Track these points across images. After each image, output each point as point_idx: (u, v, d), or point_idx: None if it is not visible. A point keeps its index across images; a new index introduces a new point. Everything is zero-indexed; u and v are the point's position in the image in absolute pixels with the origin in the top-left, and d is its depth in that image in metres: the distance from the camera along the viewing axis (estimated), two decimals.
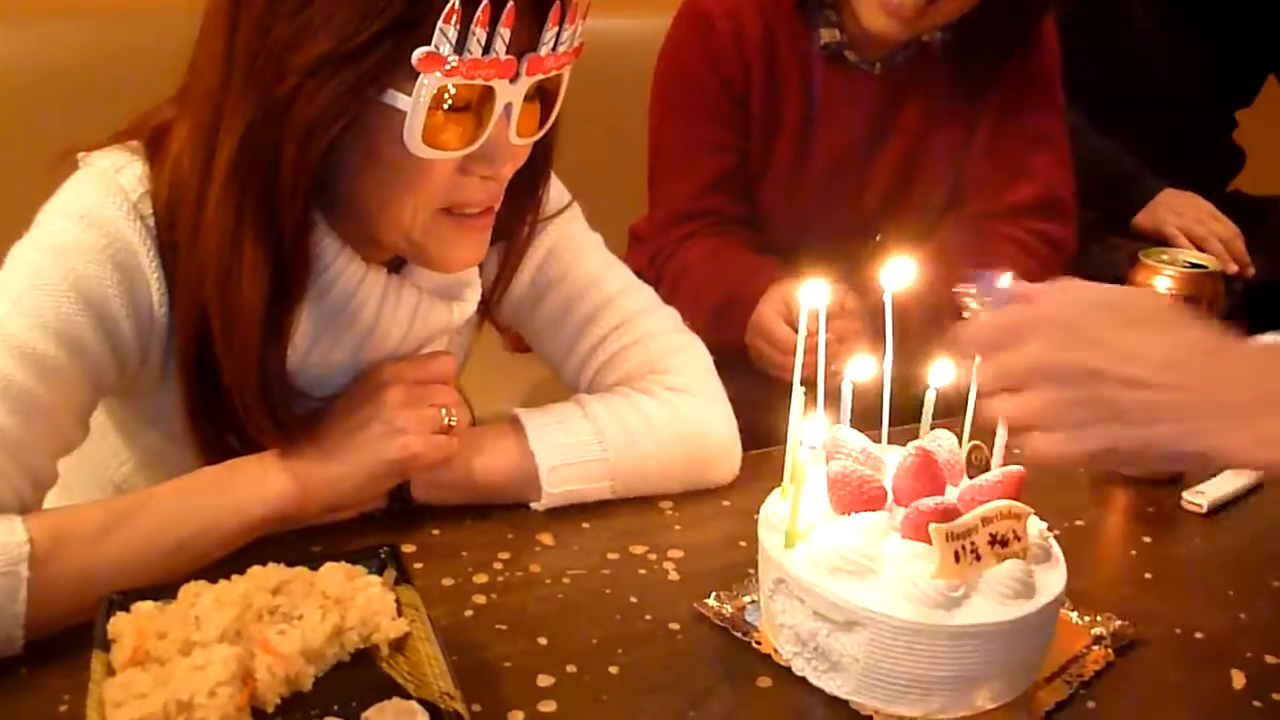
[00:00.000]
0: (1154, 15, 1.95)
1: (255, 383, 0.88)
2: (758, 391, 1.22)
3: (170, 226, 0.88)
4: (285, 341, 0.90)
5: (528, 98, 0.86)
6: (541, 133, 0.92)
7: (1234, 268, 1.80)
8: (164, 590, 0.75)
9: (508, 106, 0.84)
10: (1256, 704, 0.82)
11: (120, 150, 0.91)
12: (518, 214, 1.01)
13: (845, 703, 0.78)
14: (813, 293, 0.87)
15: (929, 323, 1.24)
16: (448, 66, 0.78)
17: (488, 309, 1.08)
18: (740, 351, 1.39)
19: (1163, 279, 1.09)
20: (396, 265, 0.99)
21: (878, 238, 1.50)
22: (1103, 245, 1.85)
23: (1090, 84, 1.80)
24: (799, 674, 0.80)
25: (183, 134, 0.87)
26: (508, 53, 0.80)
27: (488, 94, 0.83)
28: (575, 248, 1.11)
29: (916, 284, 1.43)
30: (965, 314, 0.79)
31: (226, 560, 0.86)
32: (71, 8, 1.73)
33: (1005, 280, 0.79)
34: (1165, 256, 1.12)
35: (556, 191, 1.09)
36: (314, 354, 0.94)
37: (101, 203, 0.88)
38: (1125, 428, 0.68)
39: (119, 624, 0.71)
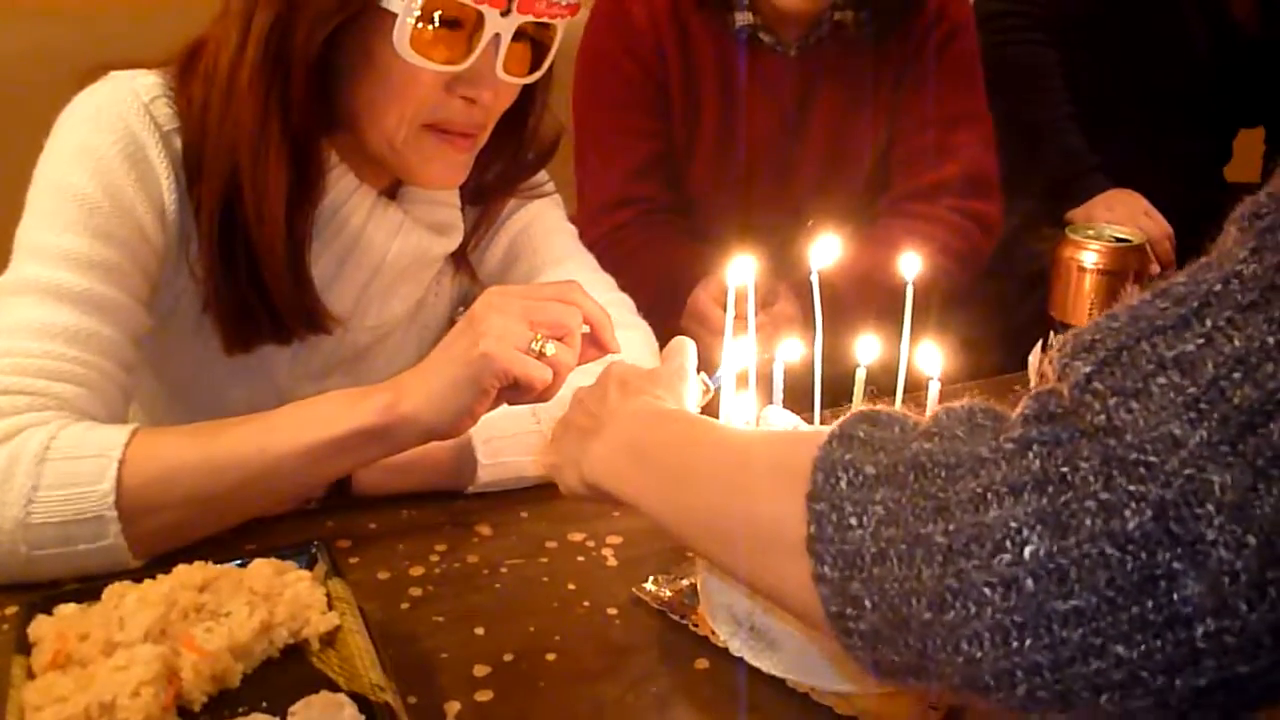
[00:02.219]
0: (1200, 18, 1.94)
1: (283, 258, 0.96)
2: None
3: (198, 117, 0.95)
4: (306, 227, 0.98)
5: (518, 37, 0.94)
6: (531, 78, 1.00)
7: (1156, 268, 1.82)
8: (87, 592, 0.74)
9: (496, 37, 0.92)
10: None
11: (144, 70, 0.98)
12: (499, 168, 1.09)
13: (782, 681, 0.78)
14: (741, 271, 0.87)
15: (862, 302, 1.25)
16: None
17: (465, 259, 1.15)
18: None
19: (1089, 254, 1.11)
20: (390, 195, 1.07)
21: (810, 223, 1.51)
22: (1036, 235, 1.87)
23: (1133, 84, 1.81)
24: (736, 654, 0.80)
25: (219, 34, 0.95)
26: None
27: (479, 21, 0.91)
28: (548, 230, 1.18)
29: (848, 265, 1.45)
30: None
31: (153, 561, 0.84)
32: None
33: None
34: (1091, 232, 1.14)
35: (543, 178, 1.18)
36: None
37: (112, 101, 0.95)
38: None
39: (40, 627, 0.70)
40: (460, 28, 0.92)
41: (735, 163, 1.51)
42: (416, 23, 0.89)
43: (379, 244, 1.05)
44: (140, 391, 1.08)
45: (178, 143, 0.96)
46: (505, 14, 0.91)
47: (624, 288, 1.19)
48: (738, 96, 1.49)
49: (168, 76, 0.98)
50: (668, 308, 1.39)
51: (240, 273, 0.97)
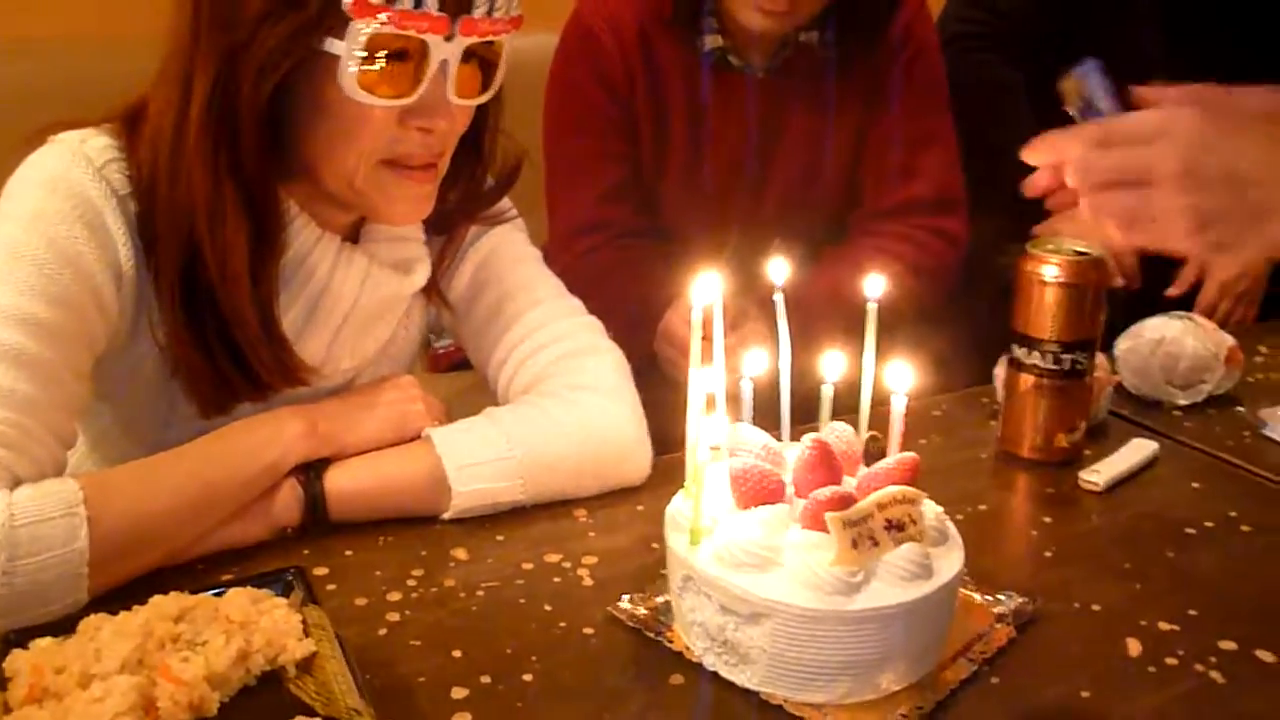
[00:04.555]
0: (1160, 39, 1.95)
1: (254, 316, 0.96)
2: (672, 398, 1.24)
3: (148, 183, 0.94)
4: (273, 282, 0.98)
5: (466, 60, 0.94)
6: (483, 98, 0.99)
7: (1120, 281, 1.83)
8: (62, 625, 0.74)
9: (444, 64, 0.92)
10: (1151, 669, 0.85)
11: (90, 128, 0.97)
12: (458, 193, 1.09)
13: (755, 694, 0.79)
14: (709, 291, 0.88)
15: (831, 321, 1.27)
16: (381, 17, 0.87)
17: (435, 287, 1.15)
18: (652, 360, 1.41)
19: (1049, 267, 1.13)
20: (352, 238, 1.06)
21: (777, 241, 1.52)
22: (1003, 251, 1.89)
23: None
24: (710, 669, 0.82)
25: (160, 97, 0.94)
26: (440, 10, 0.89)
27: (424, 50, 0.90)
28: (514, 255, 1.18)
29: (817, 284, 1.47)
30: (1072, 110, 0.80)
31: (128, 592, 0.85)
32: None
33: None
34: (1051, 246, 1.16)
35: (505, 204, 1.17)
36: None
37: (66, 168, 0.94)
38: (1245, 226, 0.71)
39: (15, 661, 0.70)
40: (406, 59, 0.91)
41: (705, 185, 1.53)
42: (362, 62, 0.88)
43: (347, 293, 1.04)
44: (99, 435, 1.09)
45: (133, 207, 0.95)
46: (449, 39, 0.90)
47: (596, 311, 1.19)
48: (706, 119, 1.51)
49: (117, 138, 0.96)
50: (640, 330, 1.40)
51: (209, 337, 0.96)
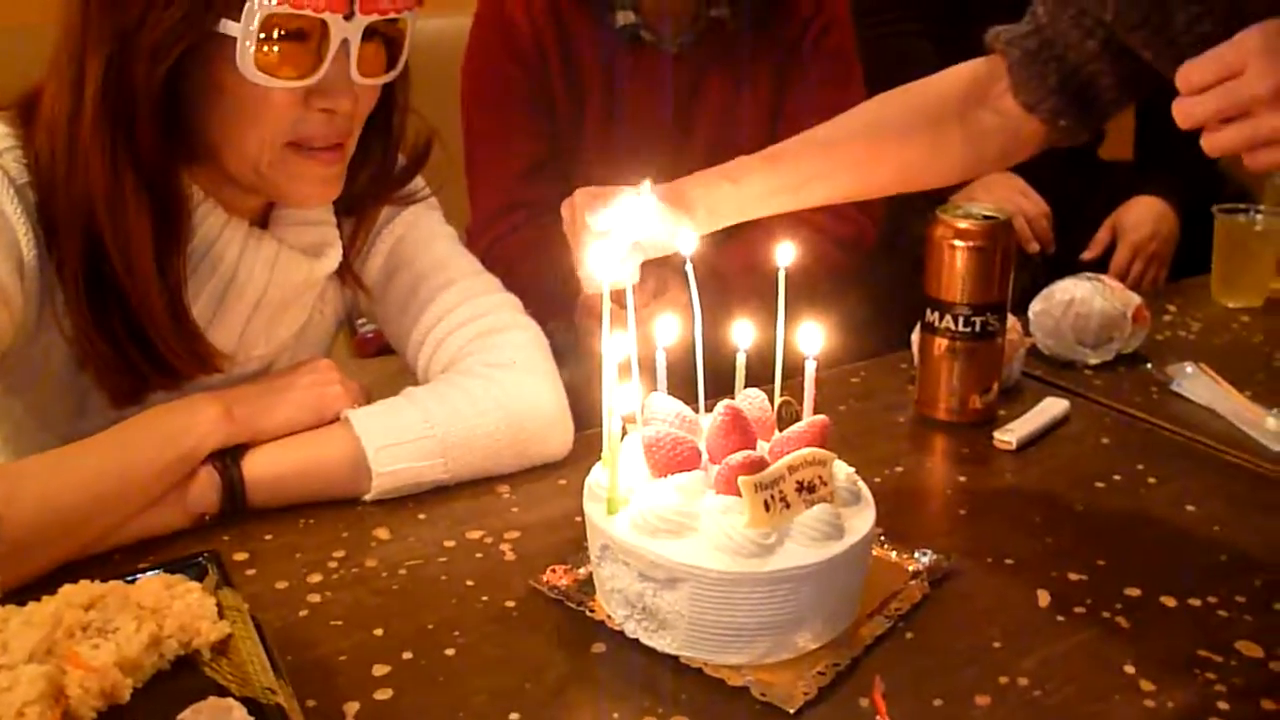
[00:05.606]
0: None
1: (161, 305, 0.94)
2: (594, 372, 1.25)
3: (46, 172, 0.92)
4: (180, 270, 0.96)
5: (368, 38, 0.93)
6: (389, 77, 0.98)
7: (1035, 246, 1.87)
8: None
9: (345, 43, 0.91)
10: (1060, 618, 0.87)
11: None
12: (368, 174, 1.07)
13: (676, 658, 0.80)
14: (620, 258, 0.89)
15: (751, 290, 1.28)
16: None
17: (349, 269, 1.13)
18: (573, 335, 1.41)
19: (958, 231, 1.15)
20: (261, 223, 1.05)
21: None
22: (922, 219, 1.92)
23: None
24: (631, 636, 0.82)
25: (53, 84, 0.92)
26: None
27: (324, 29, 0.89)
28: (429, 235, 1.16)
29: (737, 255, 1.48)
30: None
31: (38, 582, 0.83)
32: None
33: None
34: (960, 210, 1.18)
35: (418, 184, 1.16)
36: None
37: None
38: None
39: None
40: (306, 39, 0.90)
41: (621, 161, 1.53)
42: (260, 44, 0.87)
43: (257, 278, 1.03)
44: (12, 431, 1.06)
45: (32, 196, 0.93)
46: (349, 18, 0.89)
47: (518, 289, 1.19)
48: (622, 98, 1.51)
49: (12, 125, 0.94)
50: (561, 306, 1.40)
51: (117, 329, 0.95)
